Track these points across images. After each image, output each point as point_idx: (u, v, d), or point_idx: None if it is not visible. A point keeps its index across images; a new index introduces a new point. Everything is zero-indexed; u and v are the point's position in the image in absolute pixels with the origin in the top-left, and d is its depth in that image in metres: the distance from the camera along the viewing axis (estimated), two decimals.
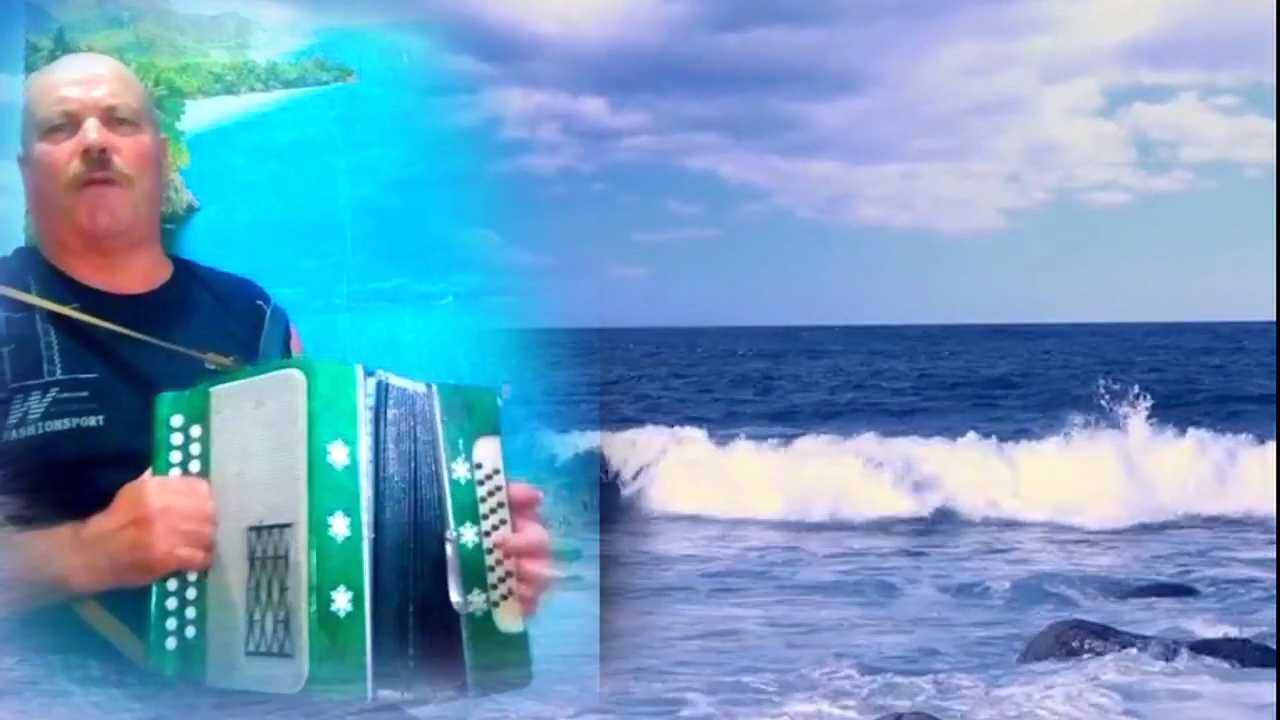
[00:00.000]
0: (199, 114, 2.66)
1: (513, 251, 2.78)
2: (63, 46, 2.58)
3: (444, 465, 2.01)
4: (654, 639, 6.87)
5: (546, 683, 2.13)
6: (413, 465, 1.99)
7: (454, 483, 2.01)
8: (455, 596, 1.98)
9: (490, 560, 2.02)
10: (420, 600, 1.96)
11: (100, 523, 1.92)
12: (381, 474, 1.94)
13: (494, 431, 2.07)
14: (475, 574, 2.00)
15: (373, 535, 1.89)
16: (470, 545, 2.00)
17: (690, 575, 9.42)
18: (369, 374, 1.97)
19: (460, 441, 2.03)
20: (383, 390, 1.98)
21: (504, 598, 2.02)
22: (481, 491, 2.03)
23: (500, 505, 2.05)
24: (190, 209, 2.63)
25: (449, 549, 1.99)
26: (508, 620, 2.02)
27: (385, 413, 1.97)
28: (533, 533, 2.08)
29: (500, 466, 2.06)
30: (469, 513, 2.01)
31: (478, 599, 1.99)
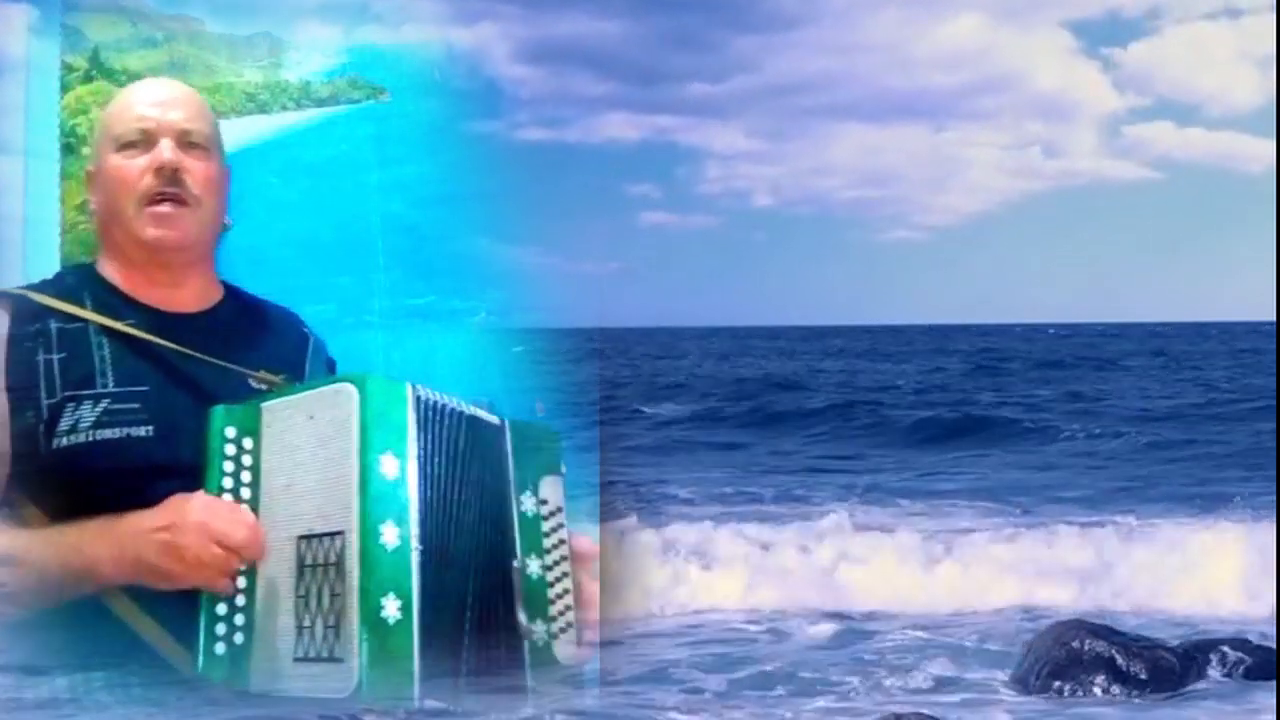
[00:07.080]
0: (232, 133, 2.65)
1: (545, 263, 2.80)
2: (98, 67, 2.61)
3: (513, 497, 2.09)
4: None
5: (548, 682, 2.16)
6: (479, 490, 2.05)
7: (522, 515, 2.10)
8: (522, 622, 2.05)
9: (551, 593, 2.10)
10: (478, 617, 2.01)
11: (140, 519, 1.96)
12: (437, 490, 1.98)
13: (558, 471, 2.17)
14: (539, 604, 2.08)
15: (421, 546, 1.92)
16: (535, 576, 2.09)
17: None
18: (427, 395, 2.01)
19: (529, 477, 2.12)
20: (454, 417, 2.03)
21: (563, 630, 2.10)
22: (546, 527, 2.12)
23: (562, 542, 2.14)
24: (224, 227, 2.64)
25: (515, 577, 2.07)
26: (566, 653, 2.10)
27: (444, 433, 2.02)
28: (591, 590, 2.19)
29: (563, 505, 2.15)
30: (534, 545, 2.10)
31: (540, 628, 2.07)
